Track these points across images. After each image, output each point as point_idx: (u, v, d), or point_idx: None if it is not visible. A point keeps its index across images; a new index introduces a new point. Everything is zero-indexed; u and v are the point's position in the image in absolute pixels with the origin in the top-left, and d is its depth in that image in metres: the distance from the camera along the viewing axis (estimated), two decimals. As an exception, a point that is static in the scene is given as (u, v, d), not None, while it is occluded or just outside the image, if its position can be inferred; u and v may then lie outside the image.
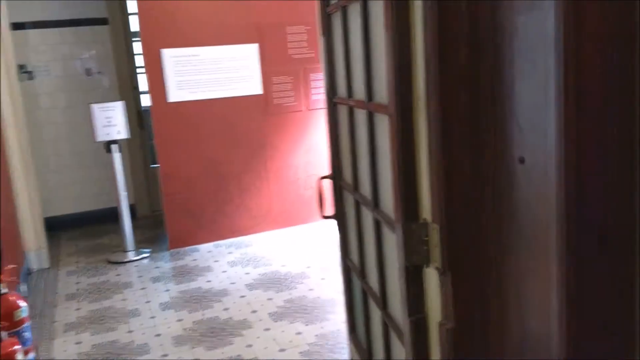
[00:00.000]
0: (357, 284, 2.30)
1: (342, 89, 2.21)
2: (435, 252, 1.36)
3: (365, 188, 2.00)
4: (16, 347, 2.43)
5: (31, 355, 2.82)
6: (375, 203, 1.87)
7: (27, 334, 2.80)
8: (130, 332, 3.75)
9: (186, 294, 4.30)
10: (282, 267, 4.70)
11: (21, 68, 6.03)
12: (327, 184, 2.45)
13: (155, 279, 4.67)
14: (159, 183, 5.34)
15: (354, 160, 2.14)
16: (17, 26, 5.83)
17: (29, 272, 4.95)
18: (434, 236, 1.37)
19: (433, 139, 1.31)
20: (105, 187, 6.13)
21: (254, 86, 5.49)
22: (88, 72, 6.38)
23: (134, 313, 4.03)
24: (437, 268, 1.37)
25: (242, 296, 4.19)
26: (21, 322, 2.76)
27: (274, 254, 5.04)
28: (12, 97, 4.78)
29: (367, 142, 1.89)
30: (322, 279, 4.38)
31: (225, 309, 3.98)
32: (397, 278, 1.58)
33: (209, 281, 4.53)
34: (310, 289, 4.21)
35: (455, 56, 1.25)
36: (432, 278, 1.45)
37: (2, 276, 2.72)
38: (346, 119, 2.17)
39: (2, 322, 2.45)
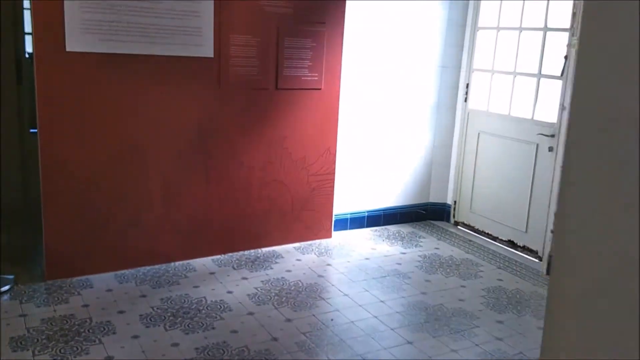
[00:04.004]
0: None
1: None
2: None
3: None
4: None
5: None
6: None
7: None
8: None
9: (70, 384, 2.50)
10: (233, 334, 3.01)
11: None
12: None
13: (18, 344, 2.80)
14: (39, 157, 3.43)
15: None
16: None
17: None
18: None
19: None
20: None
21: (202, 45, 3.67)
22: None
23: None
24: None
25: (171, 401, 2.47)
26: None
27: (219, 305, 3.33)
28: None
29: None
30: (302, 369, 2.75)
31: None
32: None
33: (109, 358, 2.74)
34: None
35: None
36: None
37: None
38: None
39: None
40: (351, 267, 3.97)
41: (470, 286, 3.78)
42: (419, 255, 4.27)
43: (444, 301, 3.52)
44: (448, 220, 5.10)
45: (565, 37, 4.00)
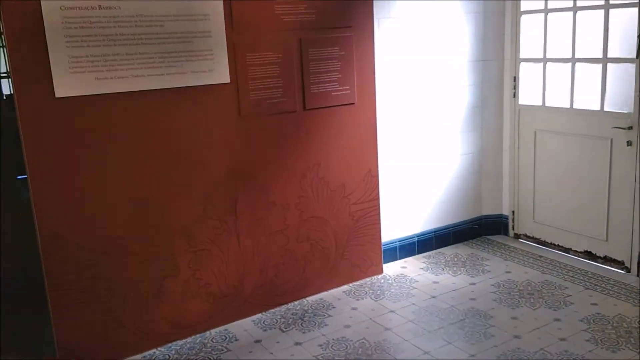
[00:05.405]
0: None
1: None
2: None
3: None
4: None
5: None
6: None
7: None
8: None
9: None
10: None
11: None
12: None
13: None
14: (36, 229, 2.80)
15: None
16: None
17: None
18: None
19: None
20: None
21: (216, 70, 3.05)
22: None
23: None
24: None
25: None
26: None
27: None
28: None
29: None
30: None
31: None
32: None
33: None
34: None
35: None
36: None
37: None
38: None
39: None
40: (419, 311, 3.35)
41: (566, 318, 3.16)
42: (492, 285, 3.65)
43: (544, 344, 2.91)
44: (506, 233, 4.49)
45: (633, 12, 3.41)
